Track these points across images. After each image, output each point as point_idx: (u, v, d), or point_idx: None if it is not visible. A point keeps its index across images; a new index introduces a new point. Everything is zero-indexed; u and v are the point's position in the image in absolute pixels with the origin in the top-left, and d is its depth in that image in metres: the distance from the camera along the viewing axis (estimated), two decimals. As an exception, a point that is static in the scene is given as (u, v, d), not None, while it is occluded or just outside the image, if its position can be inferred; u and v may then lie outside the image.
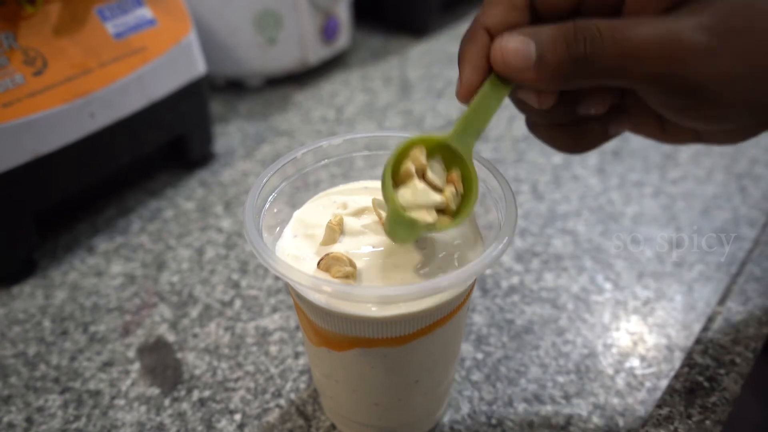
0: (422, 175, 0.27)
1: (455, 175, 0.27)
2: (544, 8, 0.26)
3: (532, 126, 0.30)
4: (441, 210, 0.27)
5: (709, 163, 0.55)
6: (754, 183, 0.52)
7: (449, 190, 0.27)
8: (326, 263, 0.27)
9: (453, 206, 0.27)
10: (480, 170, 0.29)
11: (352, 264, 0.27)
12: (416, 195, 0.26)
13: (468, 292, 0.28)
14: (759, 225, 0.47)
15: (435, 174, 0.27)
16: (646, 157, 0.56)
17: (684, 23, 0.23)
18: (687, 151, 0.57)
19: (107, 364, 0.38)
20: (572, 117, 0.29)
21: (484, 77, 0.26)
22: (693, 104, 0.25)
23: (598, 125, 0.29)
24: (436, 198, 0.27)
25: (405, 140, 0.26)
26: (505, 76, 0.25)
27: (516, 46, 0.24)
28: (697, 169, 0.54)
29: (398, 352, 0.27)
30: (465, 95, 0.26)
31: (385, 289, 0.24)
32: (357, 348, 0.27)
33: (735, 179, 0.53)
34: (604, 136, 0.30)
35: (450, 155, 0.27)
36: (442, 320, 0.27)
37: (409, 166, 0.26)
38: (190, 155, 0.55)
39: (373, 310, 0.25)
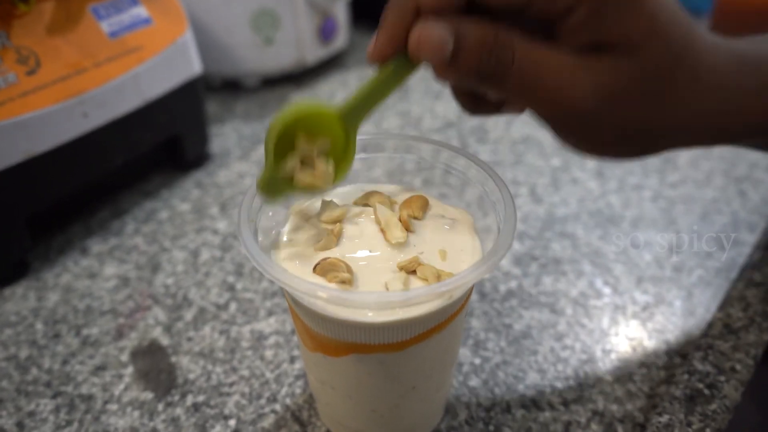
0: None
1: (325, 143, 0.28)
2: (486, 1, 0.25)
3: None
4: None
5: (708, 167, 0.55)
6: (753, 187, 0.52)
7: (321, 166, 0.28)
8: (322, 268, 0.26)
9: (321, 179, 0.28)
10: (478, 173, 0.29)
11: (348, 269, 0.26)
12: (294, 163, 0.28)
13: (466, 298, 0.28)
14: (759, 230, 0.47)
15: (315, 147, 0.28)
16: (645, 161, 0.56)
17: (585, 80, 0.24)
18: (686, 155, 0.57)
19: (100, 368, 0.38)
20: (473, 89, 0.30)
21: (396, 51, 0.26)
22: (571, 141, 0.27)
23: (494, 102, 0.31)
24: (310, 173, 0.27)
25: (298, 108, 0.27)
26: (415, 60, 0.25)
27: (435, 40, 0.24)
28: (696, 173, 0.54)
29: (395, 358, 0.27)
30: (375, 60, 0.26)
31: (381, 294, 0.24)
32: (353, 354, 0.27)
33: (734, 183, 0.53)
34: (497, 111, 0.32)
35: (333, 123, 0.28)
36: (439, 326, 0.27)
37: (301, 146, 0.27)
38: (185, 156, 0.55)
39: (370, 316, 0.25)
